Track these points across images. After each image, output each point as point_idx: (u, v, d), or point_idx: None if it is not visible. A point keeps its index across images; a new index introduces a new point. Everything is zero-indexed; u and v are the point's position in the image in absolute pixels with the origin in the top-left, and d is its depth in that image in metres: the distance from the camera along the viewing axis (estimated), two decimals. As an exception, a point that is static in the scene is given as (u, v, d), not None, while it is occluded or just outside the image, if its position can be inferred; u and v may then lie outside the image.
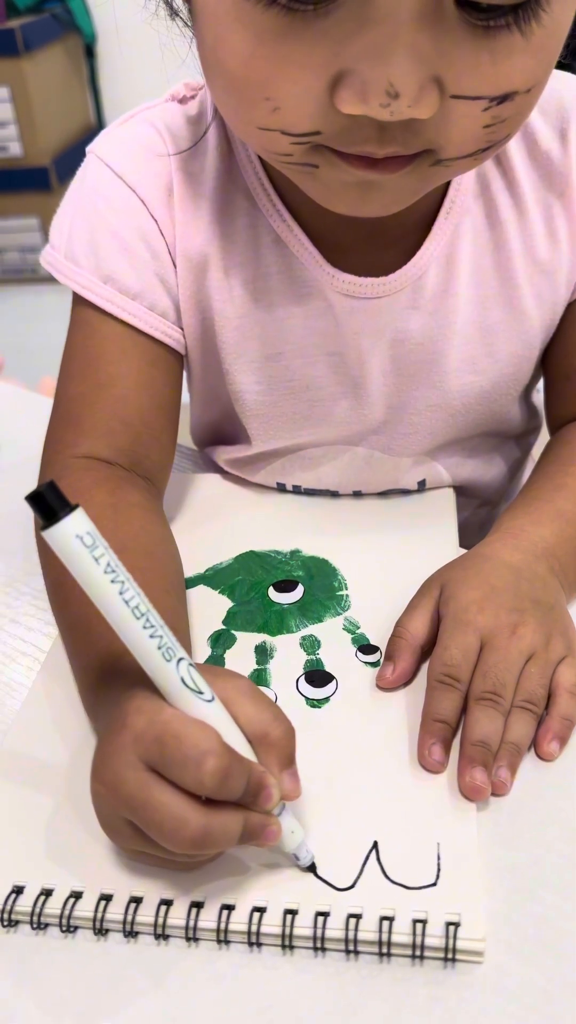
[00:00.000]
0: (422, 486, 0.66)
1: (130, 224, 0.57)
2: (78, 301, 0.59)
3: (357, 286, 0.55)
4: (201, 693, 0.37)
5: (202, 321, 0.60)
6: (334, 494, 0.66)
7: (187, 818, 0.36)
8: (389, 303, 0.56)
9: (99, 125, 2.83)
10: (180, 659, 0.37)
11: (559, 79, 0.53)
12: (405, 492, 0.66)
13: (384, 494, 0.66)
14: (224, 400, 0.63)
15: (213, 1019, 0.36)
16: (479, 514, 0.72)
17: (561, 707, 0.46)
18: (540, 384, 0.68)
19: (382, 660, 0.50)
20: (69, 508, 0.34)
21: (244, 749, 0.38)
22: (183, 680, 0.37)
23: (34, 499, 0.34)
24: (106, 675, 0.44)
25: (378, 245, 0.56)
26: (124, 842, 0.39)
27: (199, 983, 0.37)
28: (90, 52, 2.73)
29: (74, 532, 0.34)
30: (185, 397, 0.64)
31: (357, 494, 0.66)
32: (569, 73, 0.55)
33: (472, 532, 0.69)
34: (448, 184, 0.55)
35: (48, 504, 0.34)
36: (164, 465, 0.61)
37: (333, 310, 0.57)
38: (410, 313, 0.57)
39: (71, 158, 2.61)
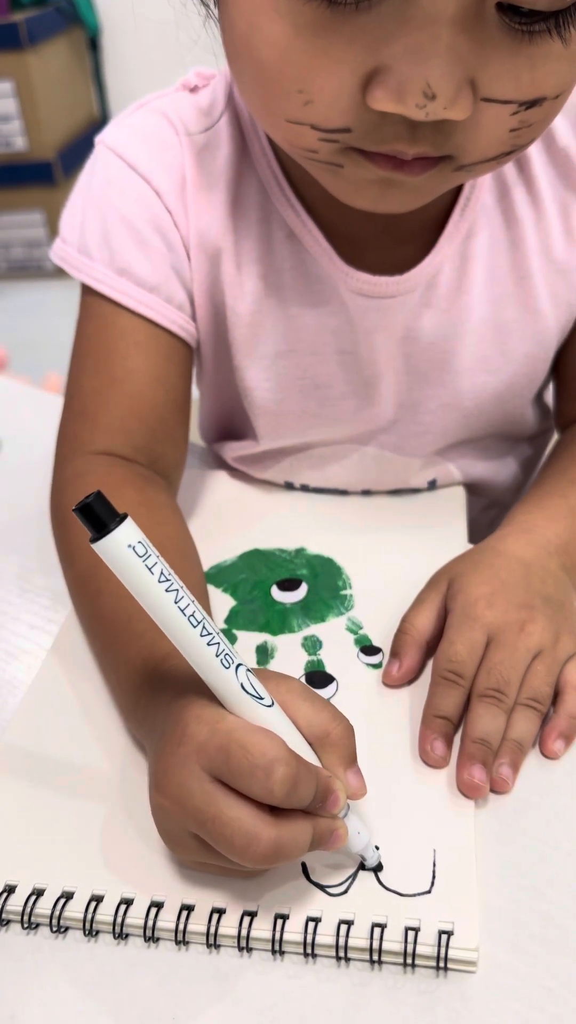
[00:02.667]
0: (432, 485, 0.65)
1: (145, 215, 0.56)
2: (89, 293, 0.57)
3: (372, 285, 0.54)
4: (261, 699, 0.36)
5: (215, 315, 0.59)
6: (343, 493, 0.65)
7: (258, 832, 0.35)
8: (403, 301, 0.55)
9: (103, 118, 2.83)
10: (238, 665, 0.36)
11: None
12: (415, 491, 0.65)
13: (394, 492, 0.65)
14: (233, 395, 0.63)
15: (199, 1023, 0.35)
16: (489, 514, 0.71)
17: (568, 705, 0.46)
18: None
19: (387, 657, 0.49)
20: (119, 518, 0.33)
21: (306, 752, 0.38)
22: (243, 686, 0.36)
23: (82, 510, 0.33)
24: (151, 679, 0.43)
25: (393, 241, 0.55)
26: (188, 854, 0.38)
27: (187, 987, 0.36)
28: (94, 45, 2.72)
29: (126, 542, 0.33)
30: (194, 392, 0.63)
31: (366, 493, 0.65)
32: None
33: (481, 531, 0.68)
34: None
35: (96, 514, 0.33)
36: (179, 463, 0.61)
37: (347, 308, 0.56)
38: (423, 311, 0.56)
39: (76, 152, 2.61)
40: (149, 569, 0.34)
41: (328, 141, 0.42)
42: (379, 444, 0.62)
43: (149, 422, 0.57)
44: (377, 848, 0.39)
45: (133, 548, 0.33)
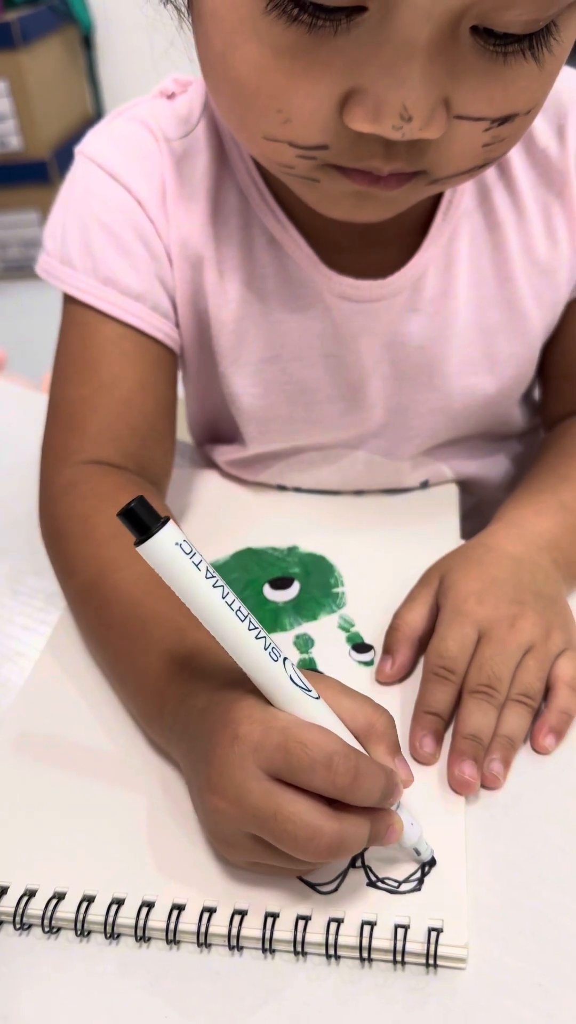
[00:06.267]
0: (425, 485, 0.65)
1: (127, 224, 0.56)
2: (72, 303, 0.57)
3: (355, 289, 0.55)
4: (309, 691, 0.37)
5: (198, 323, 0.59)
6: (335, 494, 0.66)
7: (320, 826, 0.35)
8: (387, 306, 0.55)
9: (98, 116, 2.82)
10: (285, 659, 0.37)
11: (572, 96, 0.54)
12: (407, 490, 0.65)
13: (387, 492, 0.65)
14: (219, 400, 0.63)
15: (190, 1022, 0.35)
16: (481, 510, 0.72)
17: (559, 701, 0.46)
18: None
19: (379, 655, 0.49)
20: (161, 520, 0.34)
21: (355, 745, 0.38)
22: (291, 679, 0.36)
23: (126, 515, 0.33)
24: (175, 684, 0.42)
25: (375, 245, 0.55)
26: (243, 855, 0.38)
27: (178, 985, 0.36)
28: (88, 43, 2.71)
29: (172, 540, 0.34)
30: (180, 392, 0.63)
31: (359, 493, 0.65)
32: (567, 67, 0.53)
33: (476, 527, 0.68)
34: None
35: (140, 518, 0.33)
36: (167, 469, 0.61)
37: (331, 313, 0.56)
38: (409, 315, 0.56)
39: (71, 150, 2.59)
40: (196, 566, 0.34)
41: (305, 158, 0.42)
42: (370, 449, 0.62)
43: (139, 428, 0.57)
44: (429, 843, 0.39)
45: (180, 546, 0.34)
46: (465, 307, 0.57)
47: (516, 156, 0.55)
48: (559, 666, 0.47)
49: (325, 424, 0.61)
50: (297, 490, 0.66)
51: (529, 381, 0.63)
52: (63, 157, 2.57)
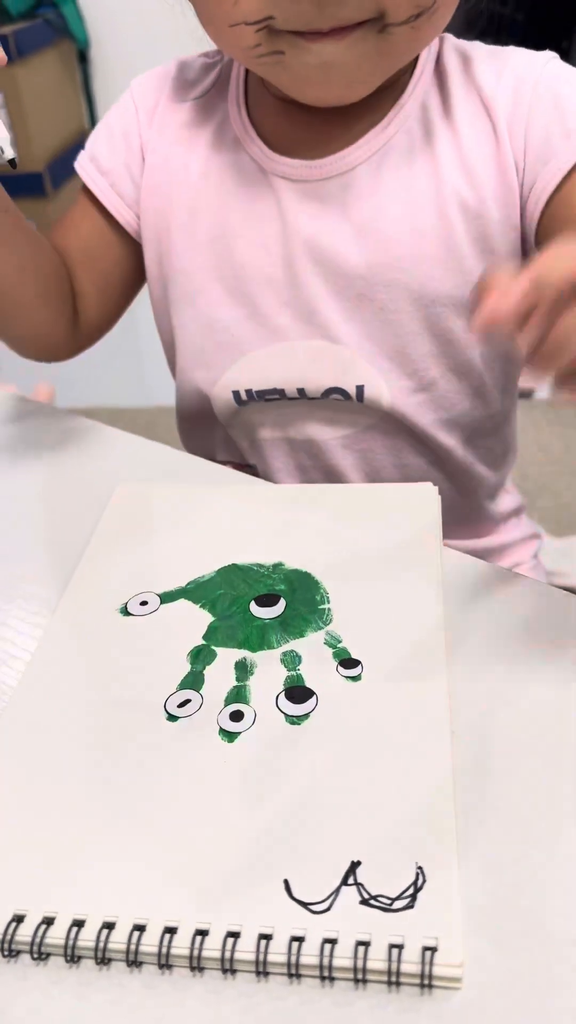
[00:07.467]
0: (360, 391, 0.70)
1: (120, 121, 0.75)
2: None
3: (292, 168, 0.67)
4: None
5: (156, 213, 0.74)
6: (281, 392, 0.72)
7: None
8: (321, 189, 0.67)
9: (92, 130, 2.84)
10: None
11: (515, 53, 0.66)
12: (346, 396, 0.71)
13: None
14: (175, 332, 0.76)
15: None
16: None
17: None
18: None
19: (365, 670, 0.49)
20: None
21: None
22: None
23: None
24: None
25: (322, 143, 0.67)
26: None
27: (170, 1011, 0.36)
28: (83, 58, 2.72)
29: None
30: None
31: (302, 393, 0.72)
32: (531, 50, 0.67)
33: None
34: (391, 108, 0.66)
35: None
36: (88, 304, 0.78)
37: (275, 194, 0.68)
38: (342, 213, 0.66)
39: (65, 163, 2.59)
40: None
41: (261, 31, 0.56)
42: (306, 336, 0.70)
43: (71, 263, 0.76)
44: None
45: None
46: (393, 205, 0.65)
47: (460, 99, 0.66)
48: None
49: (266, 311, 0.70)
50: (248, 393, 0.73)
51: (455, 290, 0.67)
52: (57, 170, 2.57)
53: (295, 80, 0.60)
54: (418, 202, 0.65)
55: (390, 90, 0.67)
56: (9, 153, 0.55)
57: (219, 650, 0.52)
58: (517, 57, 0.66)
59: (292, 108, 0.66)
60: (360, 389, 0.70)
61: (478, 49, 0.68)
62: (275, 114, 0.68)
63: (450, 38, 0.69)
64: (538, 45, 0.66)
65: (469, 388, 0.73)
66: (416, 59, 0.67)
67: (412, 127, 0.66)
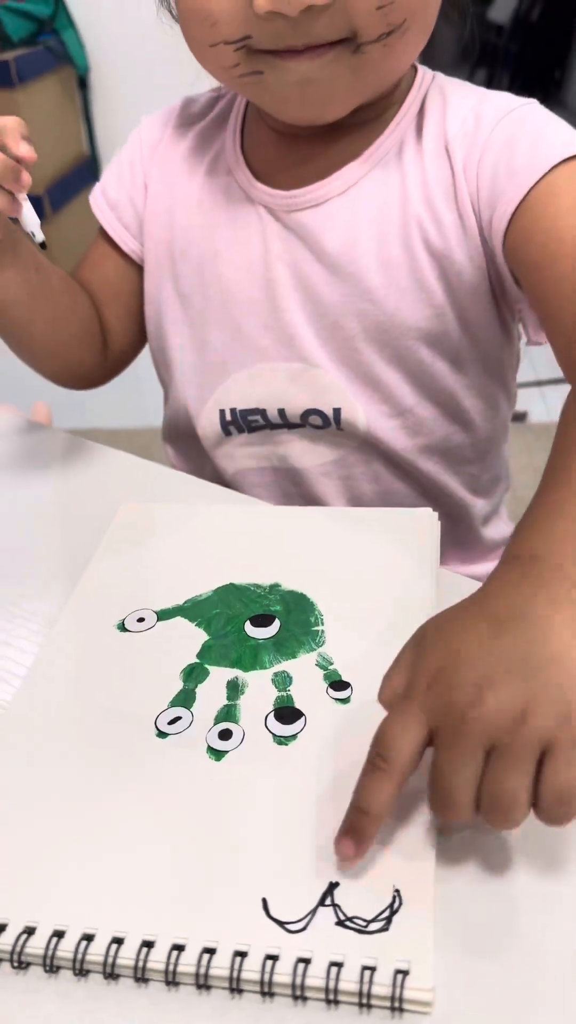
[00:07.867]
0: (337, 415, 0.71)
1: (129, 157, 0.79)
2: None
3: (271, 197, 0.70)
4: None
5: (157, 243, 0.77)
6: (263, 414, 0.74)
7: None
8: (301, 219, 0.69)
9: (92, 156, 2.88)
10: None
11: (494, 97, 0.67)
12: (324, 420, 0.72)
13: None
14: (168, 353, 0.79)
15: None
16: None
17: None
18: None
19: (356, 692, 0.50)
20: None
21: None
22: None
23: None
24: None
25: (305, 172, 0.69)
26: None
27: (146, 1024, 0.37)
28: (83, 84, 2.77)
29: None
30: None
31: (281, 414, 0.73)
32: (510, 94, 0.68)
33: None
34: (372, 143, 0.68)
35: None
36: (115, 337, 0.81)
37: (260, 221, 0.70)
38: (321, 235, 0.68)
39: (65, 188, 2.65)
40: None
41: (239, 50, 0.58)
42: (287, 358, 0.71)
43: (100, 293, 0.80)
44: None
45: None
46: (367, 240, 0.67)
47: (430, 143, 0.67)
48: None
49: (249, 332, 0.72)
50: (233, 413, 0.75)
51: (428, 324, 0.68)
52: (57, 194, 2.61)
53: (274, 99, 0.62)
54: (387, 237, 0.67)
55: (372, 125, 0.68)
56: (39, 237, 0.58)
57: (212, 668, 0.52)
58: (493, 101, 0.66)
59: (280, 138, 0.69)
60: (337, 412, 0.71)
61: (460, 91, 0.69)
62: (264, 143, 0.71)
63: (440, 77, 0.70)
64: (531, 75, 0.67)
65: (447, 415, 0.73)
66: (405, 98, 0.68)
67: (389, 163, 0.67)
